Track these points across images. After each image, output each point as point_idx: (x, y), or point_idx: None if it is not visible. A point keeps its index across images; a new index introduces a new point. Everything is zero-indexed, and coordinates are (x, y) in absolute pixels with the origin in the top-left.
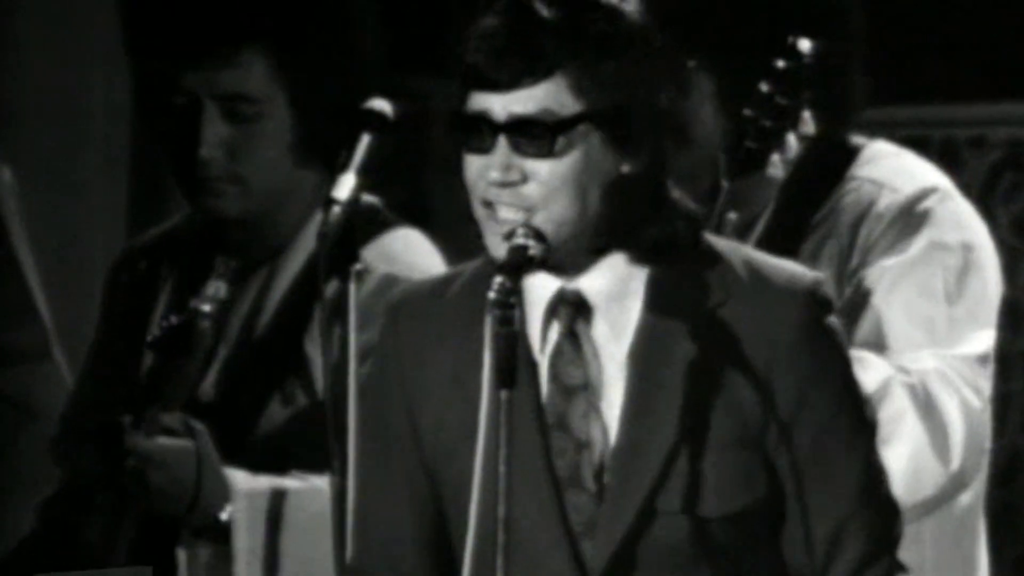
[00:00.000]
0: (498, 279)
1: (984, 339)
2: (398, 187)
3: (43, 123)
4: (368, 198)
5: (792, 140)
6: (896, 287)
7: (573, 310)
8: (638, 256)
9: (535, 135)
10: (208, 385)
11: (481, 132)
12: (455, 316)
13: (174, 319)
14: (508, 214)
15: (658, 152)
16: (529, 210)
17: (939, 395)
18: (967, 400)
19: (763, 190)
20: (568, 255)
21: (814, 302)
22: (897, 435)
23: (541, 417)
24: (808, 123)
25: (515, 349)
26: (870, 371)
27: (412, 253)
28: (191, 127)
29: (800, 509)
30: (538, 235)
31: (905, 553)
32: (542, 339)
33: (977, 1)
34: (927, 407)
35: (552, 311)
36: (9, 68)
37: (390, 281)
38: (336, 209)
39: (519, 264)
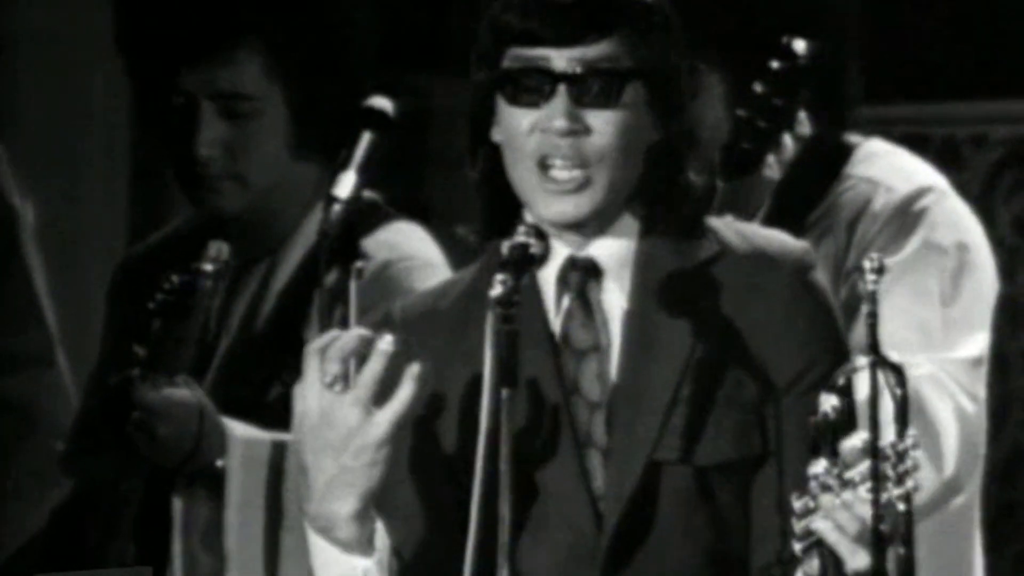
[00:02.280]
0: (500, 277)
1: (979, 342)
2: (398, 184)
3: (43, 123)
4: (368, 194)
5: (788, 141)
6: (891, 290)
7: (584, 275)
8: (645, 222)
9: (600, 84)
10: (209, 377)
11: (537, 84)
12: (457, 323)
13: (176, 279)
14: (563, 173)
15: (684, 122)
16: (586, 166)
17: (932, 401)
18: (961, 406)
19: (759, 190)
20: (601, 216)
21: (804, 266)
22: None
23: (563, 382)
24: (804, 123)
25: (516, 347)
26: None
27: (411, 242)
28: (189, 126)
29: (777, 469)
30: (539, 233)
31: None
32: (556, 306)
33: None
34: (919, 413)
35: (563, 278)
36: (9, 68)
37: (387, 268)
38: (337, 207)
39: (520, 262)
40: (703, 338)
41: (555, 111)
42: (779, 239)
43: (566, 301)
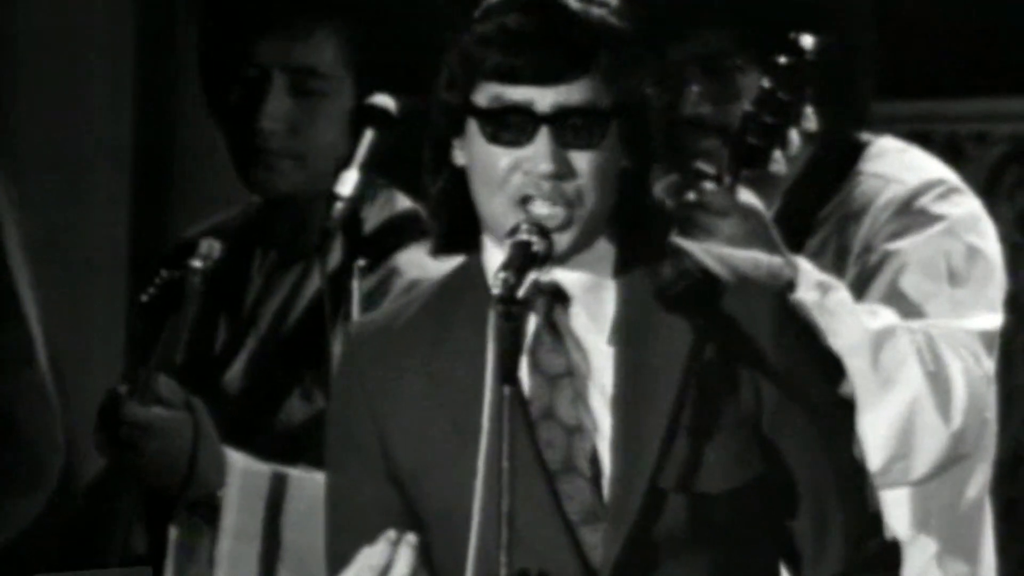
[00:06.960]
0: (501, 275)
1: (988, 320)
2: (399, 184)
3: (43, 123)
4: (408, 203)
5: (795, 136)
6: (900, 271)
7: (549, 300)
8: (612, 248)
9: (583, 126)
10: (234, 374)
11: (519, 125)
12: (415, 338)
13: (165, 275)
14: (545, 209)
15: (654, 149)
16: (571, 205)
17: (943, 352)
18: (970, 366)
19: (766, 187)
20: (573, 248)
21: (785, 286)
22: (898, 380)
23: (526, 411)
24: (811, 119)
25: (519, 345)
26: (877, 318)
27: (441, 263)
28: (256, 99)
29: (805, 485)
30: (542, 231)
31: (911, 548)
32: None
33: None
34: (931, 356)
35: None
36: (9, 67)
37: (413, 287)
38: (340, 205)
39: (523, 260)
40: (695, 362)
41: (539, 153)
42: (754, 260)
43: (532, 327)
